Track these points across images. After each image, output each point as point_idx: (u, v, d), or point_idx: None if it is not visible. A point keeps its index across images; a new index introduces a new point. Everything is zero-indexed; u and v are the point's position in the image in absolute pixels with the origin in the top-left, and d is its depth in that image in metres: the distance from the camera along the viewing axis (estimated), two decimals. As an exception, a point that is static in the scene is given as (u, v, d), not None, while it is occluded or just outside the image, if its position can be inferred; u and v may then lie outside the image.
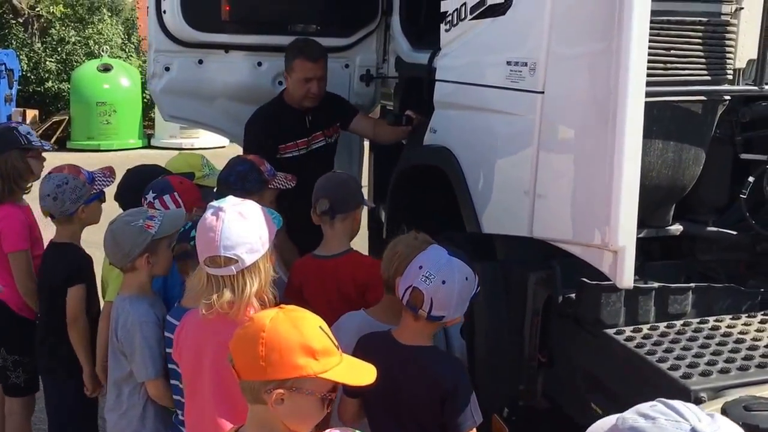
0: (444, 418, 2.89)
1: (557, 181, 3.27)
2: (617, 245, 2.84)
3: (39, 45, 19.00)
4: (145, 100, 17.69)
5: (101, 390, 3.87)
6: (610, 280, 3.05)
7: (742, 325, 3.26)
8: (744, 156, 3.58)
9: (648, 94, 2.87)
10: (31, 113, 16.88)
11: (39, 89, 18.25)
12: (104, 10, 19.81)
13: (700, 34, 3.33)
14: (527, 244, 3.55)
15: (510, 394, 3.69)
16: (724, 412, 2.42)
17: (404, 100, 5.16)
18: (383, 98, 5.92)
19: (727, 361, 2.91)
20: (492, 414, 3.50)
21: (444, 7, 4.12)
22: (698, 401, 2.66)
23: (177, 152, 5.28)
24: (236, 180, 3.96)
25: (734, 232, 3.62)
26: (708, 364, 2.88)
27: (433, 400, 2.89)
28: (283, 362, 2.05)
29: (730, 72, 3.41)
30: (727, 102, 3.46)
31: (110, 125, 16.78)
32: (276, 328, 2.09)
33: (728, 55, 3.39)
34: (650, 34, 2.84)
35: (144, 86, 17.44)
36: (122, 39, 19.93)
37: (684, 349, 3.03)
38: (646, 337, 3.15)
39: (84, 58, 18.48)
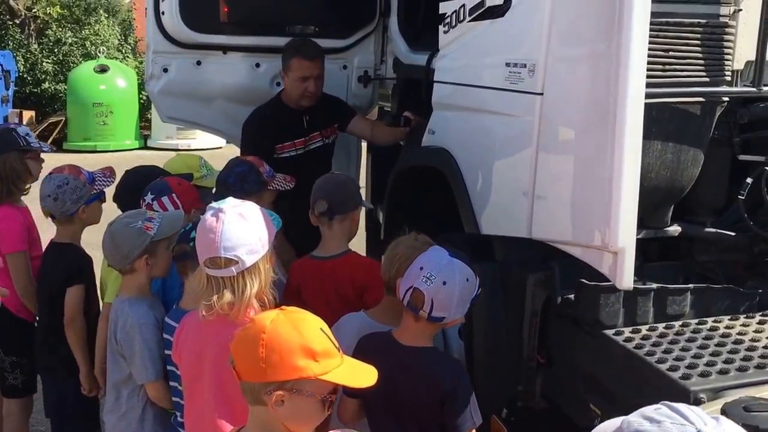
0: (444, 419, 2.90)
1: (557, 183, 3.28)
2: (617, 246, 2.84)
3: (36, 46, 18.96)
4: (141, 101, 17.68)
5: (100, 391, 3.87)
6: (609, 281, 3.06)
7: (740, 326, 3.27)
8: (742, 157, 3.59)
9: (647, 96, 2.87)
10: (28, 114, 16.84)
11: (36, 90, 18.21)
12: (101, 11, 19.78)
13: (698, 35, 3.34)
14: (525, 245, 3.56)
15: (508, 395, 3.70)
16: (724, 413, 2.42)
17: (402, 101, 5.17)
18: (381, 99, 5.93)
19: (725, 362, 2.92)
20: (491, 415, 3.50)
21: (443, 8, 4.13)
22: (697, 402, 2.67)
23: (173, 153, 5.29)
24: (235, 181, 3.97)
25: (732, 233, 3.63)
26: (707, 365, 2.89)
27: (433, 401, 2.89)
28: (283, 364, 2.06)
29: (729, 73, 3.43)
30: (726, 103, 3.47)
31: (107, 126, 16.76)
32: (276, 329, 2.09)
33: (726, 57, 3.40)
34: (649, 36, 2.85)
35: (140, 87, 17.45)
36: (119, 40, 19.89)
37: (683, 350, 3.04)
38: (645, 338, 3.16)
39: (81, 59, 18.44)
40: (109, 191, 4.17)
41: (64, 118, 17.00)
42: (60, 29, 19.18)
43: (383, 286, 3.30)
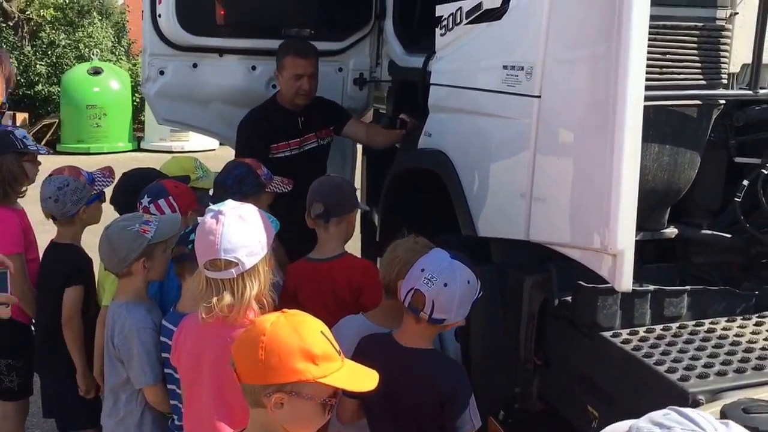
0: (443, 420, 2.90)
1: (555, 185, 3.28)
2: (616, 248, 2.85)
3: (29, 48, 18.91)
4: (135, 103, 17.66)
5: (100, 392, 3.86)
6: (605, 283, 3.07)
7: (737, 327, 3.27)
8: (738, 160, 3.60)
9: (644, 98, 2.88)
10: (21, 116, 16.80)
11: (29, 92, 18.17)
12: (94, 14, 19.75)
13: (695, 38, 3.35)
14: (522, 248, 3.56)
15: (505, 397, 3.69)
16: (723, 414, 2.43)
17: (397, 103, 5.17)
18: (376, 102, 5.94)
19: (723, 363, 2.93)
20: (488, 417, 3.51)
21: (439, 11, 4.13)
22: (696, 404, 2.68)
23: (167, 155, 5.29)
24: (233, 183, 3.97)
25: (729, 235, 3.64)
26: (705, 366, 2.90)
27: (432, 403, 2.90)
28: (282, 366, 2.06)
29: (725, 76, 3.43)
30: (722, 106, 3.48)
31: (100, 128, 16.75)
32: (276, 332, 2.09)
33: (723, 60, 3.41)
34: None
35: (134, 89, 17.44)
36: (112, 42, 19.86)
37: (680, 351, 3.04)
38: (643, 339, 3.16)
39: (74, 61, 18.42)
40: (107, 193, 4.17)
41: (57, 120, 16.98)
42: (53, 31, 19.15)
43: (381, 289, 3.30)
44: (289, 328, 2.11)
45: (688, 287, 3.45)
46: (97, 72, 16.90)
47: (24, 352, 4.24)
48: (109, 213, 4.11)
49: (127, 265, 3.37)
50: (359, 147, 6.09)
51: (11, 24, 19.31)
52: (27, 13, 19.43)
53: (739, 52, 3.45)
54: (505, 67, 3.52)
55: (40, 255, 4.29)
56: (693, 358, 2.97)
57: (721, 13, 3.39)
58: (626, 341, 3.16)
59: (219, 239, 2.72)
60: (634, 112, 2.78)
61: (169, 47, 5.25)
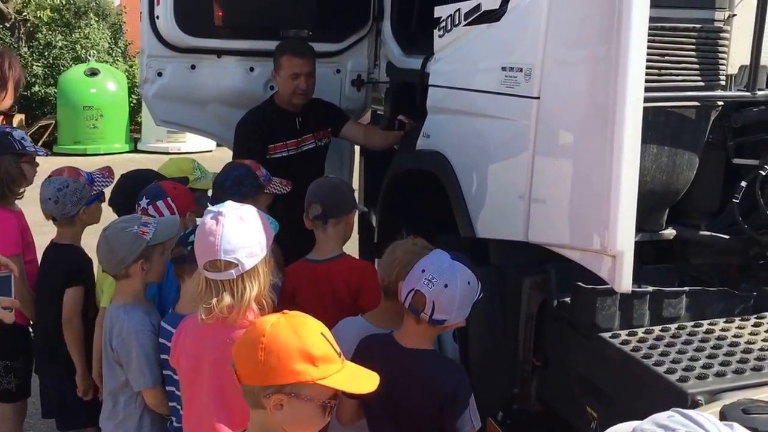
0: (443, 421, 2.90)
1: (554, 186, 3.28)
2: (616, 249, 2.85)
3: (26, 49, 18.88)
4: (131, 104, 17.65)
5: (99, 395, 3.86)
6: (604, 284, 3.07)
7: (735, 328, 3.27)
8: (736, 161, 3.61)
9: (643, 100, 2.89)
10: (18, 117, 16.75)
11: (25, 93, 18.12)
12: (91, 15, 19.73)
13: (693, 40, 3.36)
14: (521, 249, 3.57)
15: (504, 398, 3.70)
16: (723, 415, 2.43)
17: (395, 105, 5.18)
18: (374, 103, 5.94)
19: (722, 364, 2.93)
20: (486, 417, 3.51)
21: (437, 12, 4.14)
22: (695, 404, 2.68)
23: (164, 156, 5.29)
24: (232, 184, 3.97)
25: (727, 236, 3.64)
26: (704, 367, 2.90)
27: (432, 404, 2.90)
28: (281, 367, 2.06)
29: (723, 78, 3.44)
30: (720, 107, 3.49)
31: (97, 129, 16.74)
32: (276, 333, 2.10)
33: (721, 61, 3.42)
34: (645, 40, 2.87)
35: (131, 90, 17.43)
36: (109, 43, 19.85)
37: (679, 352, 3.04)
38: (642, 340, 3.16)
39: (71, 62, 18.41)
40: (106, 194, 4.18)
41: (53, 122, 16.97)
42: (50, 33, 19.13)
43: (380, 290, 3.31)
44: (289, 329, 2.11)
45: (686, 288, 3.45)
46: (93, 73, 16.89)
47: (22, 354, 4.23)
48: (107, 214, 4.12)
49: (125, 267, 3.37)
50: (357, 148, 6.09)
51: (8, 25, 19.28)
52: (24, 14, 19.40)
53: (737, 54, 3.45)
54: (503, 69, 3.53)
55: (38, 256, 4.29)
56: (692, 359, 2.97)
57: (719, 15, 3.40)
58: (625, 342, 3.16)
59: (219, 240, 2.72)
60: (634, 113, 2.79)
61: (167, 49, 5.26)
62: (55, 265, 4.04)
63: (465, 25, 3.87)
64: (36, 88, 18.11)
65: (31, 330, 4.25)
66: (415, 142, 4.42)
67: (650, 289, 3.38)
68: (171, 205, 3.84)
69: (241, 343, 2.16)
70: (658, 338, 3.19)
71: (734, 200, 3.49)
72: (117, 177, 4.33)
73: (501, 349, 3.69)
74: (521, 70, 3.40)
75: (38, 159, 4.40)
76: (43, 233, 4.29)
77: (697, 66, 3.38)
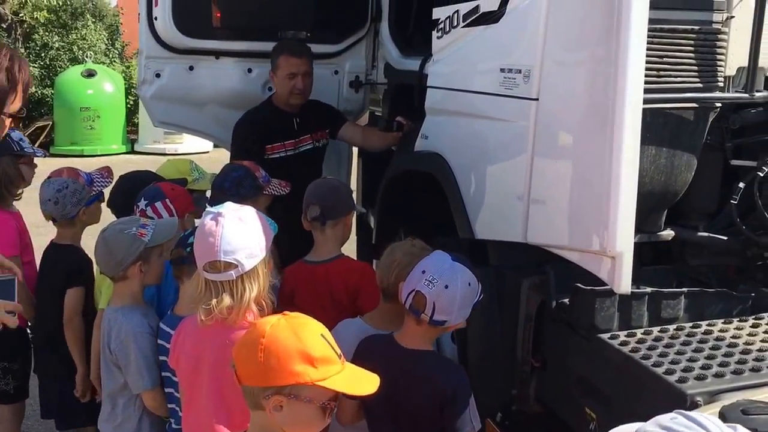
0: (443, 422, 2.91)
1: (553, 187, 3.29)
2: (615, 251, 2.86)
3: (22, 50, 18.84)
4: (128, 105, 17.64)
5: (97, 396, 3.86)
6: (603, 285, 3.07)
7: (734, 329, 3.28)
8: (734, 162, 3.62)
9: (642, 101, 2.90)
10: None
11: (22, 94, 18.12)
12: (88, 16, 19.71)
13: (691, 42, 3.37)
14: (519, 250, 3.57)
15: (503, 399, 3.70)
16: (722, 416, 2.44)
17: (393, 106, 5.19)
18: (372, 104, 5.95)
19: (721, 365, 2.93)
20: (485, 418, 3.51)
21: (436, 14, 4.14)
22: (694, 405, 2.68)
23: (161, 157, 5.29)
24: (231, 186, 3.97)
25: (725, 238, 3.65)
26: (702, 368, 2.90)
27: (432, 405, 2.90)
28: (280, 368, 2.06)
29: (721, 79, 3.45)
30: (718, 109, 3.49)
31: (94, 131, 16.73)
32: (276, 334, 2.10)
33: (719, 63, 3.42)
34: (644, 42, 2.87)
35: (128, 92, 17.42)
36: (106, 45, 19.83)
37: (678, 353, 3.04)
38: (641, 341, 3.16)
39: (68, 63, 18.40)
40: (105, 194, 4.18)
41: (50, 123, 16.95)
42: (47, 34, 19.11)
43: (379, 292, 3.31)
44: (289, 330, 2.11)
45: (684, 289, 3.46)
46: (90, 74, 16.89)
47: (20, 355, 4.23)
48: (106, 215, 4.11)
49: (123, 269, 3.36)
50: (355, 149, 6.10)
51: (4, 26, 19.24)
52: (20, 15, 19.36)
53: (735, 55, 3.46)
54: (502, 70, 3.53)
55: (35, 257, 4.28)
56: (690, 360, 2.97)
57: (717, 17, 3.41)
58: (624, 343, 3.16)
59: (219, 241, 2.71)
60: (633, 114, 2.79)
61: (165, 50, 5.25)
62: (55, 266, 4.04)
63: (464, 27, 3.88)
64: (32, 89, 18.05)
65: (29, 331, 4.25)
66: (413, 143, 4.42)
67: (649, 290, 3.38)
68: (169, 206, 3.84)
69: (241, 344, 2.17)
70: (657, 339, 3.19)
71: (732, 201, 3.49)
72: (115, 178, 4.33)
73: (500, 350, 3.69)
74: (520, 71, 3.40)
75: (36, 160, 4.40)
76: (41, 234, 4.29)
77: (695, 67, 3.39)
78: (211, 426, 2.86)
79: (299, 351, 2.07)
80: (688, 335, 3.22)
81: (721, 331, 3.26)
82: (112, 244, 3.36)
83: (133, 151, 17.14)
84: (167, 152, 15.31)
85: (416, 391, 2.91)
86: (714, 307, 3.45)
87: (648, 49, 2.89)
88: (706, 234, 3.67)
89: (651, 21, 2.86)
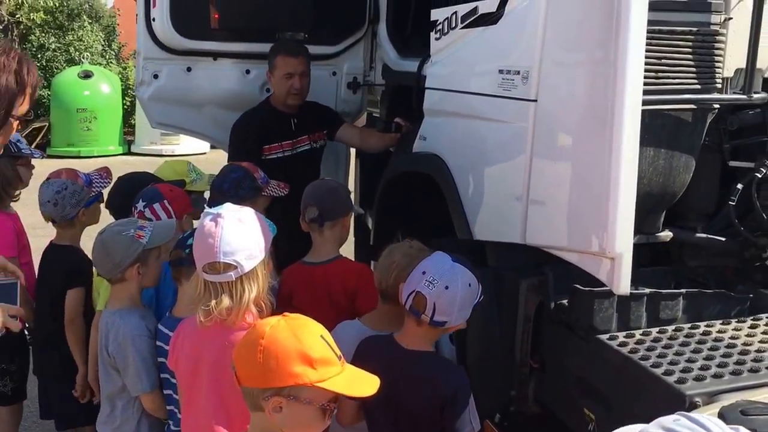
0: (443, 423, 2.91)
1: (552, 189, 3.29)
2: (615, 252, 2.86)
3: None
4: (125, 106, 17.62)
5: (95, 398, 3.85)
6: (602, 286, 3.08)
7: (732, 330, 3.29)
8: (732, 163, 3.63)
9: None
10: (10, 120, 16.73)
11: (19, 95, 18.09)
12: (84, 17, 19.70)
13: (690, 43, 3.37)
14: (518, 251, 3.57)
15: (502, 400, 3.70)
16: (721, 416, 2.44)
17: (391, 107, 5.18)
18: (370, 106, 5.95)
19: (719, 366, 2.94)
20: (484, 419, 3.51)
21: (434, 15, 4.14)
22: (693, 406, 2.69)
23: (157, 158, 5.28)
24: (230, 187, 3.97)
25: (723, 239, 3.66)
26: (701, 369, 2.91)
27: (432, 406, 2.90)
28: (279, 369, 2.06)
29: (719, 81, 3.45)
30: (716, 110, 3.50)
31: (90, 132, 16.72)
32: (275, 335, 2.10)
33: (717, 64, 3.43)
34: (643, 44, 2.87)
35: (124, 93, 17.40)
36: (102, 46, 19.82)
37: (677, 354, 3.05)
38: (639, 342, 3.17)
39: (64, 64, 18.39)
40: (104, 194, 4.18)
41: (47, 124, 16.93)
42: (43, 35, 19.11)
43: (377, 294, 3.31)
44: (288, 331, 2.11)
45: (683, 290, 3.46)
46: (87, 75, 16.88)
47: (18, 357, 4.24)
48: (105, 216, 4.11)
49: (121, 271, 3.35)
50: (353, 150, 6.10)
51: (1, 27, 19.24)
52: (17, 16, 19.35)
53: (733, 57, 3.47)
54: (501, 72, 3.53)
55: (33, 259, 4.28)
56: (689, 361, 2.98)
57: (715, 18, 3.41)
58: (623, 344, 3.17)
59: (218, 242, 2.70)
60: (632, 115, 2.80)
61: (163, 51, 5.25)
62: (55, 267, 4.04)
63: (462, 28, 3.88)
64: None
65: (27, 332, 4.24)
66: (411, 144, 4.42)
67: (647, 291, 3.39)
68: (168, 207, 3.83)
69: (241, 345, 2.17)
70: (656, 340, 3.20)
71: (730, 203, 3.50)
72: (113, 179, 4.33)
73: (498, 351, 3.69)
74: (518, 72, 3.41)
75: (33, 161, 4.40)
76: (38, 236, 4.29)
77: (693, 69, 3.39)
78: (211, 427, 2.85)
79: (298, 352, 2.07)
80: (686, 336, 3.23)
81: (719, 331, 3.27)
82: (109, 246, 3.35)
83: (129, 153, 17.12)
84: (164, 153, 15.31)
85: (416, 391, 2.91)
86: (712, 307, 3.46)
87: (647, 51, 2.90)
88: (704, 235, 3.68)
89: (650, 23, 2.87)
